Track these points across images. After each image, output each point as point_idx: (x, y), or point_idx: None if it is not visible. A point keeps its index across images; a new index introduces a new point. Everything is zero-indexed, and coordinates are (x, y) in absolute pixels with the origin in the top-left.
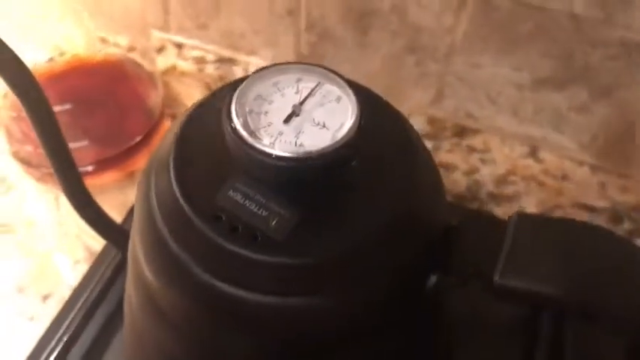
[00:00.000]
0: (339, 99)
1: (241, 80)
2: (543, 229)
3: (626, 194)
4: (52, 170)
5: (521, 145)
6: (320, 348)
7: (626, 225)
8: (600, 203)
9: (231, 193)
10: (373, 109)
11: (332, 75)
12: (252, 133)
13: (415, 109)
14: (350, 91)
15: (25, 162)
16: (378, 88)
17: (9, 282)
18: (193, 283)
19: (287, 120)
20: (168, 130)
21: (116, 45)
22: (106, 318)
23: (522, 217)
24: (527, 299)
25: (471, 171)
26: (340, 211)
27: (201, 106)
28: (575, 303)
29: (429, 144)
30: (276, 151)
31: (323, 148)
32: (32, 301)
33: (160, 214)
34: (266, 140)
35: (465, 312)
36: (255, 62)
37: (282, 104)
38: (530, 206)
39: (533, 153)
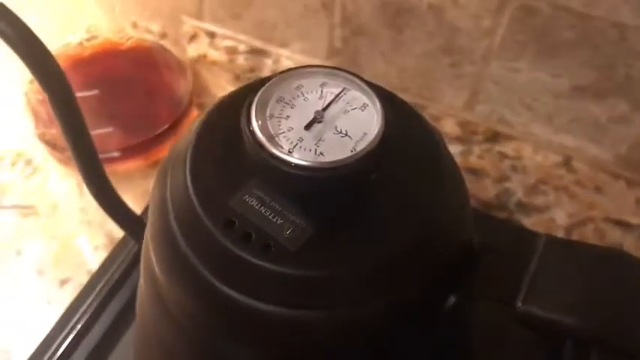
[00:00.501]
0: (364, 107)
1: (267, 79)
2: (571, 254)
3: None
4: None
5: (554, 154)
6: None
7: None
8: (635, 220)
9: (246, 197)
10: (400, 118)
11: (358, 81)
12: (270, 138)
13: (447, 111)
14: (376, 99)
15: (51, 144)
16: (410, 87)
17: (29, 264)
18: (200, 286)
19: (308, 126)
20: (189, 127)
21: (148, 31)
22: (122, 307)
23: (550, 240)
24: (549, 328)
25: (501, 178)
26: (358, 224)
27: (222, 104)
28: (599, 336)
29: (459, 148)
30: (294, 160)
31: (343, 159)
32: (50, 285)
33: (173, 213)
34: (285, 146)
35: (484, 332)
36: (287, 55)
37: (304, 109)
38: (561, 218)
39: (567, 163)
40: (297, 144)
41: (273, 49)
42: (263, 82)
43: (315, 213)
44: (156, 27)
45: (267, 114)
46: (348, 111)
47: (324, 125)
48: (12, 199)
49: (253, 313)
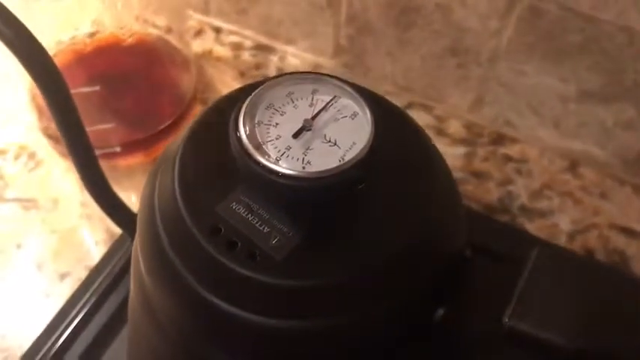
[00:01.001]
0: (354, 115)
1: (259, 84)
2: (562, 269)
3: None
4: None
5: (560, 158)
6: None
7: None
8: None
9: (233, 204)
10: (392, 126)
11: (349, 89)
12: (258, 146)
13: (453, 112)
14: (366, 108)
15: (54, 138)
16: (416, 87)
17: (29, 258)
18: (185, 292)
19: (297, 135)
20: (181, 131)
21: (154, 26)
22: (120, 302)
23: (541, 254)
24: (536, 346)
25: (505, 182)
26: (345, 234)
27: (216, 107)
28: (585, 355)
29: (463, 150)
30: (281, 169)
31: (330, 169)
32: (50, 279)
33: (160, 217)
34: (272, 155)
35: (472, 345)
36: (293, 52)
37: (293, 117)
38: (564, 223)
39: (573, 168)
40: (284, 152)
41: (279, 46)
42: (257, 85)
43: (302, 222)
44: (161, 21)
45: (256, 120)
46: (338, 119)
47: (312, 134)
48: (14, 192)
49: (237, 322)
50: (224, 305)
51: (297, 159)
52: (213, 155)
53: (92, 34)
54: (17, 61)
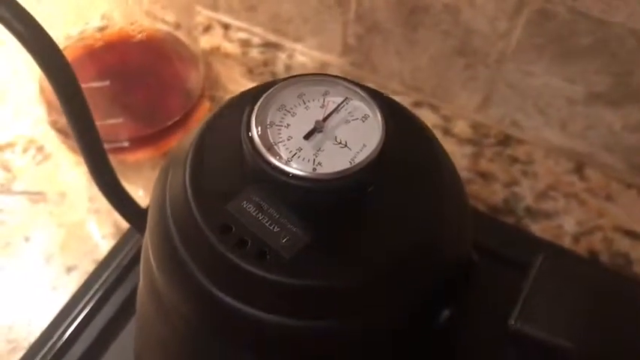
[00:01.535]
0: (365, 117)
1: (271, 84)
2: (568, 273)
3: None
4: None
5: (566, 160)
6: None
7: None
8: None
9: (244, 203)
10: (402, 128)
11: (361, 91)
12: (269, 147)
13: (460, 112)
14: (377, 111)
15: (63, 132)
16: (423, 87)
17: (37, 250)
18: (195, 289)
19: (308, 136)
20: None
21: (164, 21)
22: (127, 296)
23: (547, 258)
24: (541, 349)
25: (511, 183)
26: (354, 235)
27: (228, 106)
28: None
29: (469, 150)
30: (292, 170)
31: (341, 171)
32: (57, 272)
33: (171, 215)
34: (284, 156)
35: (477, 347)
36: (301, 50)
37: (305, 118)
38: (569, 225)
39: (579, 170)
40: (295, 153)
41: (288, 44)
42: (267, 86)
43: (312, 222)
44: (170, 17)
45: (268, 121)
46: (349, 121)
47: (324, 135)
48: (22, 185)
49: (245, 319)
50: (233, 302)
51: (308, 160)
52: (224, 154)
53: (102, 29)
54: (27, 54)
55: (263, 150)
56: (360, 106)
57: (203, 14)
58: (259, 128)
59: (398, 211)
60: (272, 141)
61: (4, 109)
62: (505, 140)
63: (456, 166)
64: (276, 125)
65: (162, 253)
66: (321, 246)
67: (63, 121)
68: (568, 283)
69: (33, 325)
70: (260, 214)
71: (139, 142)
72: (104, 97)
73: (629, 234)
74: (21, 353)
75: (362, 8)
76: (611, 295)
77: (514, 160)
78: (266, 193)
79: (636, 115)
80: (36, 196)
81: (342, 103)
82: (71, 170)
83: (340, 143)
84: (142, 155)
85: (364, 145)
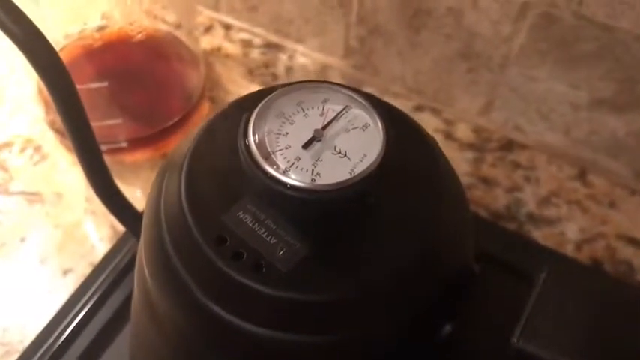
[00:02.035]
0: (365, 126)
1: (269, 90)
2: (573, 288)
3: None
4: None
5: (569, 166)
6: None
7: None
8: None
9: (240, 214)
10: (403, 137)
11: (361, 99)
12: (267, 156)
13: (462, 116)
14: (378, 120)
15: (60, 132)
16: (426, 90)
17: (33, 252)
18: (187, 300)
19: (307, 145)
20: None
21: (164, 21)
22: (123, 300)
23: (551, 272)
24: None
25: (513, 188)
26: (353, 248)
27: (226, 112)
28: None
29: (471, 155)
30: (290, 180)
31: (339, 182)
32: (53, 274)
33: (165, 224)
34: (281, 165)
35: None
36: (302, 51)
37: (304, 126)
38: (572, 232)
39: (582, 176)
40: (294, 163)
41: (289, 45)
42: (267, 92)
43: (310, 234)
44: (170, 17)
45: (266, 129)
46: (349, 130)
47: (323, 144)
48: (19, 185)
49: (241, 333)
50: (227, 315)
51: (307, 170)
52: (221, 163)
53: (101, 29)
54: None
55: (260, 159)
56: (361, 114)
57: (204, 14)
58: (257, 136)
59: (398, 223)
60: (270, 150)
61: (1, 108)
62: (507, 145)
63: (457, 174)
64: (274, 133)
65: (156, 263)
66: (319, 259)
67: (59, 119)
68: (573, 297)
69: (27, 328)
70: (256, 225)
71: (137, 143)
72: (103, 98)
73: (633, 242)
74: (15, 356)
75: (364, 10)
76: (616, 306)
77: (516, 165)
78: (263, 203)
79: (639, 122)
80: (32, 197)
81: (342, 111)
82: (68, 171)
83: (340, 153)
84: (140, 156)
85: (364, 155)
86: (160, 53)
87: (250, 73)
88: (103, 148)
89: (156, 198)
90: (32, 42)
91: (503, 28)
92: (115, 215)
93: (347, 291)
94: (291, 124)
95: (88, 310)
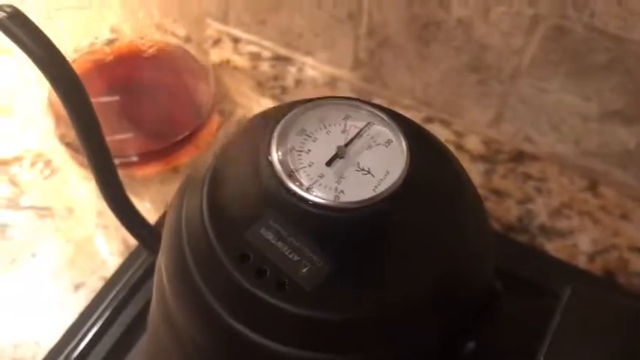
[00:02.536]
0: (388, 143)
1: (290, 106)
2: (597, 308)
3: None
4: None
5: (580, 177)
6: None
7: None
8: None
9: (263, 230)
10: (426, 154)
11: (383, 115)
12: (290, 173)
13: (472, 127)
14: (401, 136)
15: (71, 146)
16: (435, 102)
17: (45, 267)
18: (209, 318)
19: (330, 162)
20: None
21: (174, 34)
22: (135, 315)
23: (575, 292)
24: None
25: (525, 200)
26: (376, 267)
27: (247, 128)
28: None
29: (482, 167)
30: (313, 197)
31: (363, 200)
32: (64, 289)
33: (187, 240)
34: (305, 182)
35: None
36: (311, 63)
37: (326, 143)
38: (584, 244)
39: (593, 187)
40: (317, 180)
41: (298, 57)
42: (288, 108)
43: (334, 252)
44: (180, 30)
45: (288, 146)
46: (372, 147)
47: (345, 161)
48: (29, 200)
49: (263, 352)
50: (250, 334)
51: (330, 188)
52: (243, 179)
53: (111, 42)
54: (35, 68)
55: (283, 176)
56: (383, 130)
57: (213, 27)
58: (279, 153)
59: (422, 241)
60: (292, 167)
61: (12, 122)
62: (518, 156)
63: (479, 194)
64: (297, 150)
65: (177, 279)
66: (343, 277)
67: (71, 134)
68: (597, 314)
69: (40, 344)
70: (280, 242)
71: (148, 157)
72: (114, 112)
73: None
74: None
75: (373, 23)
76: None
77: (527, 176)
78: (286, 220)
79: None
80: (43, 212)
81: (364, 127)
82: (79, 185)
83: (363, 170)
84: (150, 170)
85: (388, 172)
86: (170, 67)
87: (259, 85)
88: (120, 161)
89: (177, 214)
90: (52, 62)
91: (514, 40)
92: (129, 230)
93: (371, 310)
94: (314, 141)
95: (101, 325)
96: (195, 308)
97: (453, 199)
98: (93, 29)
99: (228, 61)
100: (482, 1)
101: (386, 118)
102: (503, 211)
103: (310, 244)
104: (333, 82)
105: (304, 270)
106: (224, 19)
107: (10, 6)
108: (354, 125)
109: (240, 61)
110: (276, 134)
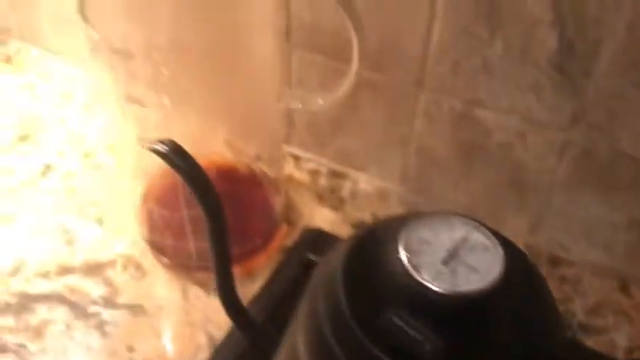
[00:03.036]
0: (486, 248)
1: (397, 219)
2: None
3: None
4: (185, 262)
5: (612, 279)
6: None
7: None
8: None
9: (394, 317)
10: (512, 256)
11: (482, 227)
12: (416, 268)
13: (511, 235)
14: (496, 242)
15: (161, 251)
16: (478, 212)
17: None
18: None
19: (445, 261)
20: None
21: (243, 152)
22: None
23: None
24: None
25: (564, 300)
26: (485, 344)
27: (367, 233)
28: None
29: None
30: (435, 288)
31: (473, 291)
32: None
33: (329, 329)
34: (427, 276)
35: None
36: (364, 178)
37: (440, 246)
38: (621, 340)
39: (624, 288)
40: (436, 275)
41: (352, 173)
42: (403, 219)
43: (451, 333)
44: (251, 148)
45: (412, 248)
46: (474, 250)
47: (456, 261)
48: (124, 298)
49: None
50: None
51: (447, 281)
52: (375, 274)
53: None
54: (124, 179)
55: (411, 271)
56: (482, 238)
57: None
58: (405, 253)
59: (515, 332)
60: (416, 263)
61: (104, 229)
62: (555, 261)
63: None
64: (419, 251)
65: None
66: (458, 354)
67: (162, 241)
68: None
69: None
70: (408, 326)
71: None
72: (196, 222)
73: None
74: None
75: (422, 145)
76: None
77: (564, 279)
78: (413, 308)
79: None
80: (136, 309)
81: (467, 235)
82: (166, 285)
83: (470, 268)
84: None
85: (489, 271)
86: (246, 181)
87: (319, 198)
88: (201, 264)
89: (313, 305)
90: (200, 181)
91: (547, 160)
92: (233, 319)
93: None
94: (430, 244)
95: None
96: None
97: (538, 297)
98: None
99: (290, 176)
100: (519, 129)
101: (484, 230)
102: None
103: (434, 328)
104: (384, 194)
105: (428, 351)
106: (287, 140)
107: (171, 140)
108: (461, 233)
109: (301, 176)
110: (402, 238)
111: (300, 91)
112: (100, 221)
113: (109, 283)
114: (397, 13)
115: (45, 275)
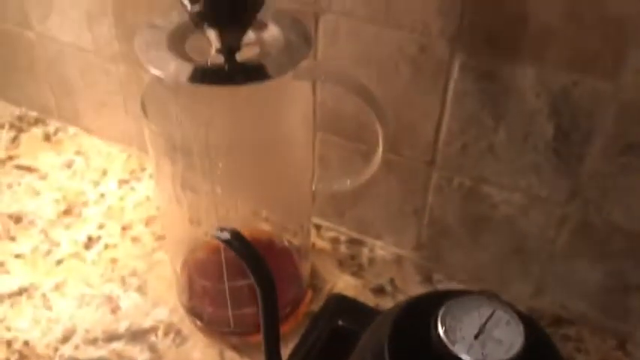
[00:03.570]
0: (508, 322)
1: (433, 295)
2: None
3: None
4: (222, 328)
5: (610, 337)
6: None
7: None
8: None
9: None
10: (530, 328)
11: (504, 306)
12: (453, 342)
13: (516, 298)
14: (517, 317)
15: (199, 317)
16: (485, 277)
17: None
18: None
19: (476, 336)
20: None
21: (274, 224)
22: None
23: None
24: None
25: (569, 357)
26: None
27: (406, 308)
28: None
29: None
30: (469, 358)
31: None
32: None
33: None
34: (462, 349)
35: None
36: (380, 245)
37: (470, 324)
38: None
39: (622, 346)
40: (469, 347)
41: (369, 240)
42: (437, 297)
43: None
44: (282, 221)
45: (447, 324)
46: (499, 325)
47: (485, 334)
48: None
49: None
50: None
51: (479, 352)
52: (417, 345)
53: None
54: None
55: (449, 344)
56: (504, 315)
57: None
58: (443, 329)
59: None
60: (453, 338)
61: (145, 297)
62: (557, 321)
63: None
64: (453, 327)
65: None
66: None
67: (202, 309)
68: None
69: None
70: None
71: (256, 328)
72: (240, 291)
73: None
74: None
75: (434, 216)
76: None
77: (567, 338)
78: None
79: None
80: None
81: (493, 312)
82: (205, 349)
83: (496, 340)
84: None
85: (513, 343)
86: (274, 250)
87: (340, 264)
88: (236, 330)
89: None
90: (257, 264)
91: (548, 231)
92: None
93: None
94: (462, 321)
95: None
96: None
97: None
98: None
99: (313, 244)
100: (522, 203)
101: (506, 308)
102: None
103: None
104: (399, 260)
105: None
106: None
107: (233, 229)
108: (488, 310)
109: (323, 244)
110: (439, 316)
111: (327, 173)
112: (140, 290)
113: (153, 348)
114: (411, 104)
115: (93, 342)
